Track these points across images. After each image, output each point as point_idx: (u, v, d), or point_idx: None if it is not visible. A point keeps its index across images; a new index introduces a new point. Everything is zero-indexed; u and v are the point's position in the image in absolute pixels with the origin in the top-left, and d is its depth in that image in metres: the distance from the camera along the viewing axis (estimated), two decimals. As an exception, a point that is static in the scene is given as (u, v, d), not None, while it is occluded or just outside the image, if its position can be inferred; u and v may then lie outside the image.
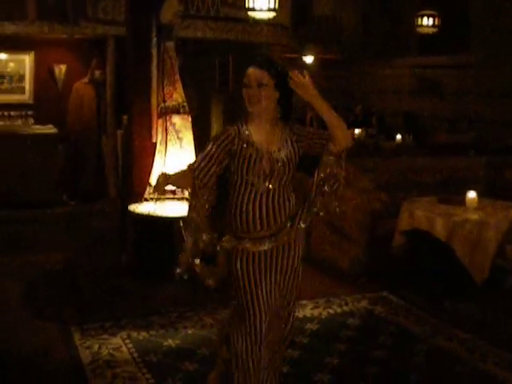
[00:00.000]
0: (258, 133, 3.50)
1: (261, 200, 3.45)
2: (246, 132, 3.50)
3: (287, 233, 3.53)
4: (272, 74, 3.44)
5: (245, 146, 3.45)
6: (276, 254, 3.55)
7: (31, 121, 10.17)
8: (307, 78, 3.33)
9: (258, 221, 3.46)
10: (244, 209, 3.45)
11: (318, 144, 3.49)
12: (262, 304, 3.52)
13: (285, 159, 3.46)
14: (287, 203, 3.51)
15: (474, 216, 5.93)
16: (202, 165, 3.46)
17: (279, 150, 3.47)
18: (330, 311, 5.74)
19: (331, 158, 3.47)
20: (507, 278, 6.07)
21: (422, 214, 6.04)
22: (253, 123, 3.51)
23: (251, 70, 3.46)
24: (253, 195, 3.45)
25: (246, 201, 3.45)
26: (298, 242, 3.61)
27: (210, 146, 3.47)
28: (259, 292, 3.52)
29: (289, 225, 3.52)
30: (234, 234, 3.51)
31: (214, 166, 3.45)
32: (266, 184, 3.44)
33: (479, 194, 6.19)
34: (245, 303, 3.52)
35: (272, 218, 3.47)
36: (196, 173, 3.47)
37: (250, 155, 3.44)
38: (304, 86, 3.32)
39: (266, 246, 3.51)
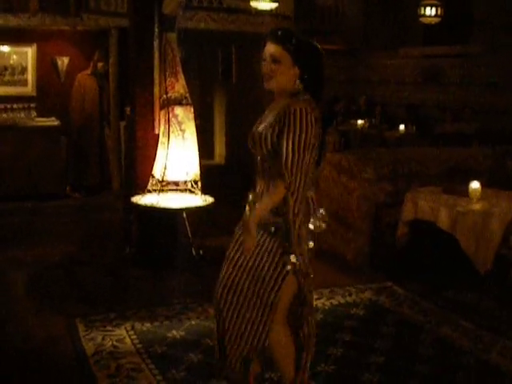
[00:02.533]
0: (269, 107, 3.40)
1: (255, 170, 3.38)
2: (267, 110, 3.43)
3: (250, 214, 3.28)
4: (288, 49, 3.23)
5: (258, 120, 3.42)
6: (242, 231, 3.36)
7: (34, 113, 10.17)
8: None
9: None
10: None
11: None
12: (224, 262, 3.44)
13: (259, 133, 3.26)
14: (263, 183, 3.31)
15: (478, 206, 5.92)
16: None
17: (263, 124, 3.30)
18: (334, 302, 5.74)
19: None
20: (511, 268, 6.06)
21: (425, 205, 6.03)
22: (275, 101, 3.39)
23: (267, 44, 3.28)
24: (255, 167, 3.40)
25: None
26: (268, 244, 3.27)
27: None
28: (227, 253, 3.45)
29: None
30: None
31: None
32: (254, 152, 3.35)
33: (483, 184, 6.17)
34: None
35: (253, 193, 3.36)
36: None
37: (255, 127, 3.37)
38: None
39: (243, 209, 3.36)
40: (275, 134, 3.20)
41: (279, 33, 3.30)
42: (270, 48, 3.26)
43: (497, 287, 5.95)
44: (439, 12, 10.64)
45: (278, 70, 3.25)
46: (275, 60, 3.25)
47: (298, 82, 3.29)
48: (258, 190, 3.35)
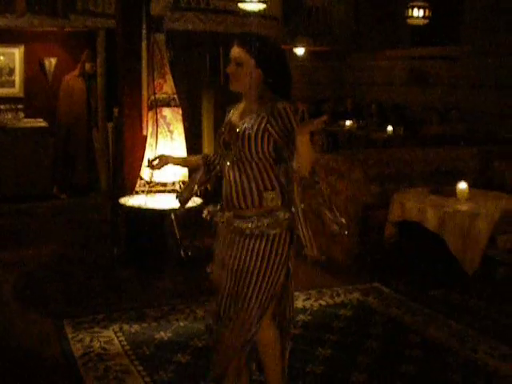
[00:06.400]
0: (238, 109, 3.44)
1: (228, 172, 3.36)
2: (231, 110, 3.48)
3: (241, 221, 3.32)
4: (251, 52, 3.28)
5: (224, 122, 3.46)
6: (232, 239, 3.37)
7: (21, 114, 10.15)
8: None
9: (224, 192, 3.41)
10: (223, 179, 3.44)
11: (283, 144, 3.26)
12: (216, 277, 3.46)
13: (244, 129, 3.26)
14: (246, 184, 3.30)
15: (465, 207, 5.95)
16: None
17: (243, 122, 3.30)
18: (322, 302, 5.75)
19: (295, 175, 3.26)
20: (498, 268, 6.09)
21: (413, 205, 6.05)
22: (242, 102, 3.45)
23: (232, 47, 3.35)
24: (225, 167, 3.40)
25: (223, 172, 3.43)
26: (265, 246, 3.29)
27: None
28: (215, 267, 3.48)
29: (253, 217, 3.31)
30: None
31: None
32: (226, 152, 3.37)
33: (470, 185, 6.21)
34: None
35: (228, 193, 3.36)
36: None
37: (224, 128, 3.42)
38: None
39: (223, 219, 3.40)
40: (266, 136, 3.24)
41: (243, 36, 3.38)
42: (234, 51, 3.34)
43: (484, 287, 5.98)
44: (427, 13, 10.65)
45: (241, 72, 3.31)
46: (238, 63, 3.31)
47: (262, 84, 3.33)
48: (231, 179, 3.35)
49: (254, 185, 3.30)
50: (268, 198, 3.29)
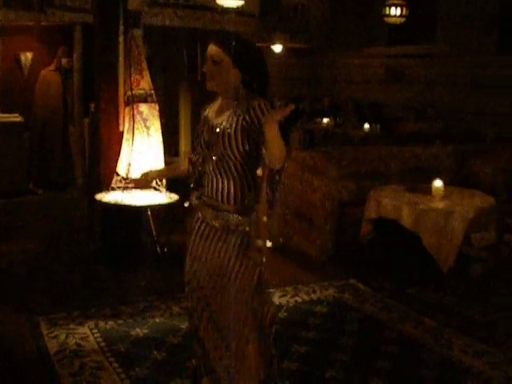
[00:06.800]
0: (213, 108, 3.42)
1: (212, 171, 3.33)
2: (207, 109, 3.46)
3: (218, 218, 3.32)
4: (228, 51, 3.24)
5: (201, 121, 3.44)
6: (210, 234, 3.37)
7: (-4, 109, 10.07)
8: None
9: (206, 190, 3.38)
10: (204, 175, 3.42)
11: (255, 138, 3.20)
12: (187, 268, 3.43)
13: (222, 128, 3.24)
14: (231, 184, 3.27)
15: (441, 204, 5.99)
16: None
17: (221, 121, 3.28)
18: (298, 299, 5.76)
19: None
20: (473, 265, 6.14)
21: (388, 203, 6.08)
22: (217, 101, 3.42)
23: (209, 45, 3.31)
24: (208, 167, 3.36)
25: (206, 171, 3.40)
26: (241, 241, 3.27)
27: None
28: (187, 256, 3.45)
29: (230, 215, 3.29)
30: None
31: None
32: (208, 152, 3.34)
33: (446, 183, 6.25)
34: None
35: (214, 192, 3.33)
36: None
37: (201, 128, 3.40)
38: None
39: (200, 213, 3.41)
40: (245, 134, 3.21)
41: (220, 35, 3.36)
42: (211, 49, 3.30)
43: (459, 284, 6.03)
44: (404, 12, 10.70)
45: (217, 71, 3.27)
46: (214, 61, 3.27)
47: (239, 83, 3.30)
48: (211, 186, 3.34)
49: (238, 185, 3.28)
50: (252, 198, 3.28)
